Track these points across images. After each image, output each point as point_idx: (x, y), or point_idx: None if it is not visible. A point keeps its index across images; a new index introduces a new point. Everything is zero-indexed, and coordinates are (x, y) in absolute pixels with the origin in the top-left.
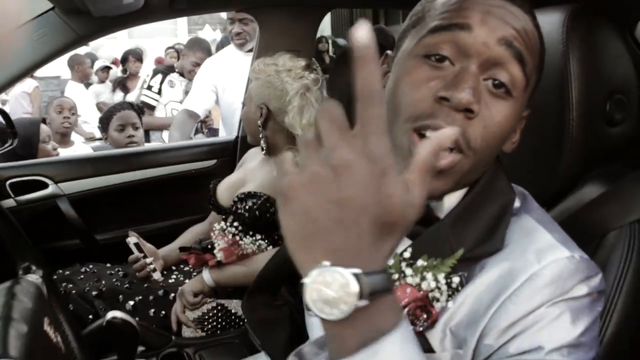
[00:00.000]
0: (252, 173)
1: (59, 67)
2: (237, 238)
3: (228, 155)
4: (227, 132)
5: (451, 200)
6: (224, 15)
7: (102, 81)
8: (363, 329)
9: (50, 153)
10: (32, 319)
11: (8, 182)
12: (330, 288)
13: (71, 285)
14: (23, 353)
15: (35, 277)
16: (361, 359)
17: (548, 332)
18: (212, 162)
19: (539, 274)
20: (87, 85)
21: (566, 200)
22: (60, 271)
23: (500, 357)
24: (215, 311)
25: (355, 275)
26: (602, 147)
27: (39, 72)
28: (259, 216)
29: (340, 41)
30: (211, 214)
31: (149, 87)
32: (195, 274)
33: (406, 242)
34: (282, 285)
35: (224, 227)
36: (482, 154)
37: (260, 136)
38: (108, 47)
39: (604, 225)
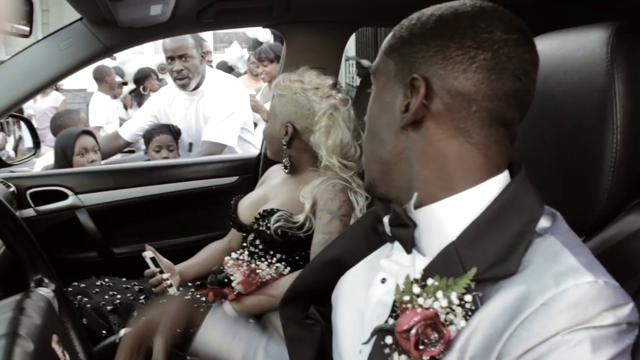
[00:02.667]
0: (274, 190)
1: (85, 79)
2: (253, 265)
3: (250, 172)
4: None
5: (462, 213)
6: (250, 33)
7: (115, 97)
8: None
9: (83, 165)
10: (40, 335)
11: (28, 191)
12: None
13: (86, 299)
14: None
15: (46, 291)
16: None
17: None
18: (234, 178)
19: (556, 299)
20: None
21: (607, 230)
22: (76, 283)
23: None
24: None
25: None
26: None
27: (66, 85)
28: (281, 234)
29: (365, 62)
30: (231, 231)
31: None
32: None
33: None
34: (311, 303)
35: (237, 255)
36: None
37: (284, 154)
38: (135, 61)
39: None
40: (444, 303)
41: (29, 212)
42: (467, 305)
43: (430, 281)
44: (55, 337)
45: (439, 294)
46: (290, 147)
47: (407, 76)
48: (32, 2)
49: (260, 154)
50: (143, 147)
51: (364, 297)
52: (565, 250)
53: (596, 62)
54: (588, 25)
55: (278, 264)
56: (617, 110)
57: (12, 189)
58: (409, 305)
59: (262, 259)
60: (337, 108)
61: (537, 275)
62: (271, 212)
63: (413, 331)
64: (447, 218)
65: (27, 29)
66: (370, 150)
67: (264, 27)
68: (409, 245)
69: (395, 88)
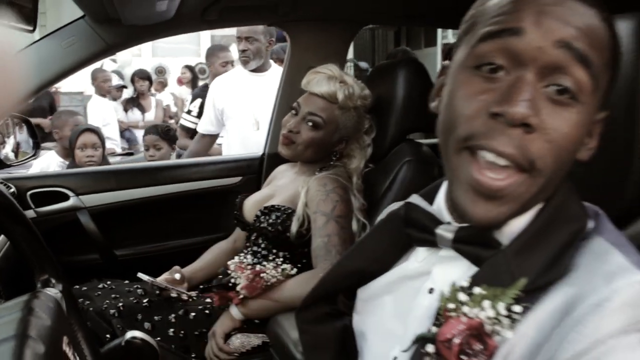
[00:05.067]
0: (280, 189)
1: (82, 82)
2: (258, 267)
3: (254, 172)
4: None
5: (515, 224)
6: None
7: (114, 99)
8: None
9: (80, 159)
10: (50, 337)
11: (29, 192)
12: None
13: (88, 302)
14: None
15: (54, 292)
16: None
17: None
18: (237, 179)
19: (608, 299)
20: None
21: (637, 224)
22: (77, 287)
23: None
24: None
25: None
26: None
27: (64, 87)
28: (282, 231)
29: (363, 64)
30: (235, 231)
31: (189, 112)
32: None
33: (466, 267)
34: (332, 304)
35: (241, 259)
36: (553, 172)
37: (331, 161)
38: (135, 64)
39: None
40: (491, 313)
41: (30, 213)
42: (515, 317)
43: (477, 290)
44: (65, 339)
45: (486, 303)
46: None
47: (601, 109)
48: None
49: (264, 154)
50: (142, 149)
51: (404, 307)
52: (613, 249)
53: (623, 53)
54: (613, 16)
55: (285, 265)
56: None
57: (12, 189)
58: (454, 314)
59: (267, 259)
60: (374, 127)
61: (585, 276)
62: (272, 208)
63: (456, 340)
64: (508, 229)
65: (30, 28)
66: (551, 177)
67: (268, 25)
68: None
69: (595, 115)
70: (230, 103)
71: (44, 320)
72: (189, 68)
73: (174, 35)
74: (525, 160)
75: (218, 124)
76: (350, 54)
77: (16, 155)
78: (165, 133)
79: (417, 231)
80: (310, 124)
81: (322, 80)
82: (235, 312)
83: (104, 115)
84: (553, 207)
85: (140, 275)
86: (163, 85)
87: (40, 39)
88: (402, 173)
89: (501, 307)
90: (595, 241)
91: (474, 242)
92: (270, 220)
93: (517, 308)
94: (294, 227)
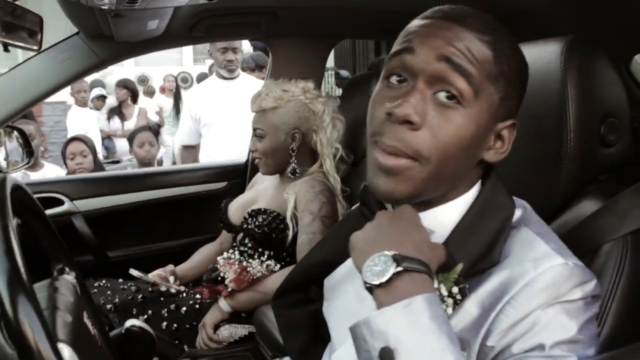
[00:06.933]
0: (262, 193)
1: (64, 92)
2: (245, 263)
3: (238, 178)
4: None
5: (448, 215)
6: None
7: (97, 109)
8: (399, 290)
9: (71, 167)
10: (74, 310)
11: None
12: (377, 265)
13: None
14: (69, 339)
15: (70, 278)
16: (395, 309)
17: (547, 332)
18: (223, 184)
19: (536, 280)
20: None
21: (565, 215)
22: None
23: (505, 357)
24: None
25: (394, 256)
26: (598, 166)
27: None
28: (269, 232)
29: (343, 73)
30: (222, 234)
31: None
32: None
33: None
34: (311, 285)
35: (229, 255)
36: (441, 162)
37: (291, 162)
38: (116, 74)
39: (600, 237)
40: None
41: None
42: (457, 296)
43: None
44: (85, 314)
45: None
46: (295, 153)
47: (504, 117)
48: (42, 17)
49: (247, 160)
50: (125, 158)
51: (357, 292)
52: (537, 239)
53: (552, 71)
54: (543, 39)
55: (269, 262)
56: (571, 111)
57: None
58: None
59: (253, 257)
60: (330, 105)
61: (517, 262)
62: (259, 212)
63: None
64: (445, 217)
65: (36, 47)
66: (440, 167)
67: (251, 40)
68: None
69: (492, 121)
70: (207, 110)
71: (67, 297)
72: (174, 77)
73: (164, 50)
74: (409, 150)
75: (197, 134)
76: (331, 63)
77: (7, 165)
78: (157, 131)
79: (368, 211)
80: (257, 137)
81: (251, 102)
82: (223, 304)
83: (84, 124)
84: (482, 200)
85: (131, 271)
86: (150, 93)
87: (37, 54)
88: None
89: (443, 289)
90: (523, 231)
91: None
92: (257, 223)
93: (455, 289)
94: (290, 233)
